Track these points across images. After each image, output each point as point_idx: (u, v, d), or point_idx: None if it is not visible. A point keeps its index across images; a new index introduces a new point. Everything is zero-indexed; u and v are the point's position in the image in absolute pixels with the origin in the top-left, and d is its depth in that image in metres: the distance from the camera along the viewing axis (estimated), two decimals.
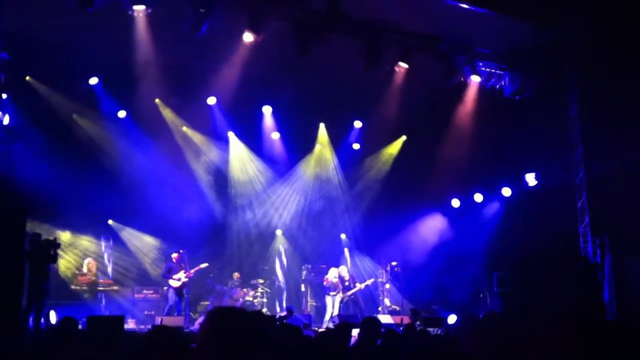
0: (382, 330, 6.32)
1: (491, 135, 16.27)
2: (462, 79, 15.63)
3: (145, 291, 15.63)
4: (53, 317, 12.04)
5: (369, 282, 16.83)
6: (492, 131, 16.24)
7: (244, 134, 18.22)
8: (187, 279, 14.76)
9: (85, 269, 15.02)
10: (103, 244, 16.18)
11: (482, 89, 16.16)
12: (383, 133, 18.60)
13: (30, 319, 11.18)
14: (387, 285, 17.53)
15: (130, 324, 14.01)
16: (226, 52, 14.42)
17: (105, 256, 16.09)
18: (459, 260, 16.55)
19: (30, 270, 11.23)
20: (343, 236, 19.03)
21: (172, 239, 16.23)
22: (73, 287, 14.73)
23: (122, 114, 16.38)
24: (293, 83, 16.06)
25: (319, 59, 14.03)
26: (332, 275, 16.19)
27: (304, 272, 17.76)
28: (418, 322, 13.01)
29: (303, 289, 17.71)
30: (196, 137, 17.74)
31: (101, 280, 15.26)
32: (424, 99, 16.68)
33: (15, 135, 14.61)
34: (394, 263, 17.55)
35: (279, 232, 18.77)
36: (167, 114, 17.09)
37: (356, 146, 19.17)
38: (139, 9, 12.67)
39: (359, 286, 16.50)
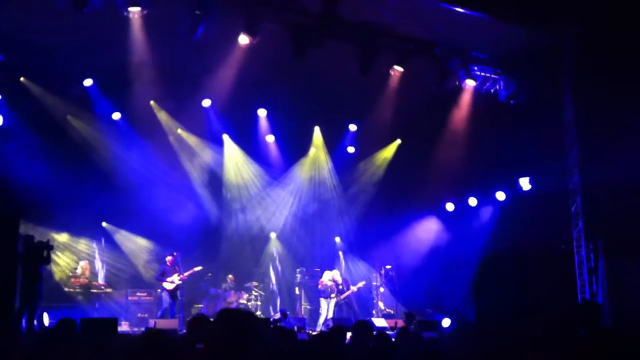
0: (375, 333, 6.32)
1: (486, 139, 16.30)
2: (457, 83, 15.66)
3: (139, 294, 15.58)
4: (46, 320, 12.00)
5: (360, 284, 16.84)
6: (487, 135, 16.27)
7: (239, 136, 18.21)
8: (181, 282, 14.73)
9: (79, 271, 14.97)
10: (96, 246, 16.12)
11: (477, 93, 16.19)
12: (378, 136, 18.61)
13: (23, 321, 11.13)
14: (382, 289, 17.53)
15: (123, 327, 13.96)
16: (222, 55, 14.42)
17: (99, 258, 16.03)
18: (453, 264, 16.56)
19: (23, 272, 11.19)
20: (337, 239, 19.03)
21: (165, 241, 16.19)
22: (66, 289, 14.68)
23: (116, 116, 16.35)
24: (288, 86, 16.06)
25: (314, 62, 14.04)
26: (327, 278, 16.20)
27: (298, 276, 17.75)
28: (412, 326, 12.99)
29: (297, 292, 17.69)
30: (191, 139, 17.71)
31: (95, 283, 15.20)
32: (418, 103, 16.71)
33: (9, 136, 14.60)
34: (388, 266, 17.56)
35: (273, 235, 18.75)
36: (162, 116, 17.06)
37: (351, 149, 19.18)
38: (134, 10, 12.62)
39: (353, 289, 16.51)
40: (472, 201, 17.63)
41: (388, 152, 19.14)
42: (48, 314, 12.21)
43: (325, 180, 19.33)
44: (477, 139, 16.41)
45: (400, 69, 15.05)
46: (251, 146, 18.45)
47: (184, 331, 12.91)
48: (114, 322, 10.71)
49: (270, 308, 17.41)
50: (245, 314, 3.13)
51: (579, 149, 14.70)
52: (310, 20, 13.44)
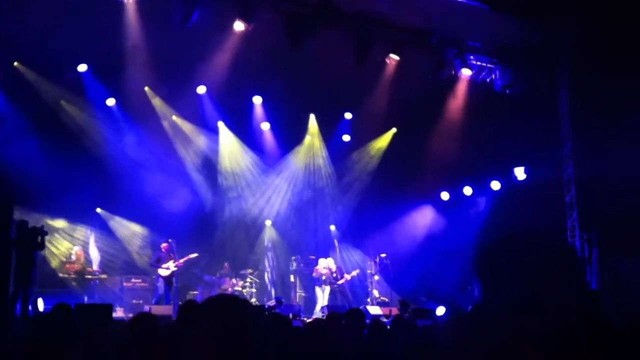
0: (368, 321, 6.34)
1: (481, 128, 16.31)
2: (453, 72, 15.66)
3: (133, 280, 15.58)
4: (41, 305, 11.99)
5: (354, 273, 16.87)
6: (482, 125, 16.28)
7: (234, 123, 18.15)
8: (176, 269, 14.73)
9: (73, 257, 14.95)
10: (90, 232, 16.09)
11: (473, 82, 16.19)
12: (373, 125, 18.59)
13: (17, 306, 11.13)
14: (376, 277, 17.57)
15: (118, 313, 13.96)
16: (217, 41, 14.36)
17: (93, 244, 16.00)
18: (448, 253, 16.62)
19: (17, 258, 11.16)
20: (332, 227, 19.04)
21: (160, 228, 16.17)
22: (61, 275, 14.65)
23: (111, 102, 16.27)
24: (284, 73, 16.00)
25: (310, 50, 14.00)
26: (322, 266, 16.24)
27: (294, 263, 17.77)
28: (406, 314, 13.04)
29: (292, 279, 17.72)
30: (186, 126, 17.66)
31: (89, 269, 15.19)
32: (414, 92, 16.68)
33: (2, 121, 14.52)
34: (383, 255, 17.58)
35: (268, 223, 18.75)
36: (157, 102, 16.99)
37: (346, 138, 19.16)
38: None
39: (347, 277, 16.55)
40: (467, 190, 17.66)
41: (383, 141, 19.13)
42: (43, 299, 12.20)
43: (321, 168, 19.33)
44: (472, 128, 16.42)
45: (396, 58, 15.02)
46: (246, 133, 18.41)
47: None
48: (109, 308, 10.72)
49: (265, 295, 17.44)
50: (233, 300, 3.10)
51: (574, 140, 14.74)
52: (305, 9, 13.38)
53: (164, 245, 14.90)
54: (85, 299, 14.23)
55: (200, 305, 3.21)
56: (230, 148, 18.40)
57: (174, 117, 17.40)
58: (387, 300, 16.88)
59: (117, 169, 15.81)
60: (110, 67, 15.17)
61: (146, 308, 12.93)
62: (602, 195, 13.59)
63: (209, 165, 18.19)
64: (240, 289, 16.39)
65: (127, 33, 13.77)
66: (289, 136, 18.76)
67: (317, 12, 13.41)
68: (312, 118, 19.04)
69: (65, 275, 14.65)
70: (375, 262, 17.64)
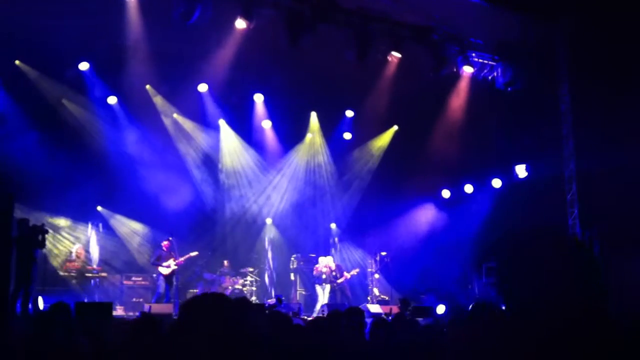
0: (371, 319, 6.32)
1: (482, 126, 16.30)
2: (455, 70, 15.62)
3: (134, 278, 15.58)
4: (41, 303, 11.99)
5: (354, 272, 16.86)
6: (484, 122, 16.27)
7: (235, 121, 18.14)
8: (176, 267, 14.73)
9: (74, 256, 14.95)
10: (91, 230, 16.09)
11: (474, 79, 16.16)
12: (374, 123, 18.57)
13: (18, 304, 11.13)
14: (377, 275, 17.55)
15: (118, 311, 13.97)
16: (218, 39, 14.34)
17: (93, 242, 16.00)
18: (449, 251, 16.61)
19: (18, 256, 11.15)
20: (333, 225, 19.03)
21: (161, 226, 16.17)
22: (61, 273, 14.66)
23: (112, 100, 16.27)
24: (285, 71, 16.00)
25: (311, 48, 13.97)
26: (322, 264, 16.23)
27: (294, 261, 17.76)
28: (407, 312, 13.04)
29: (292, 278, 17.71)
30: (187, 124, 17.65)
31: (90, 267, 15.19)
32: (416, 90, 16.66)
33: (4, 120, 14.52)
34: (383, 253, 17.57)
35: (268, 221, 18.74)
36: (158, 100, 16.99)
37: (347, 136, 19.14)
38: None
39: (346, 275, 16.54)
40: (468, 188, 17.64)
41: (385, 138, 19.12)
42: (43, 297, 12.20)
43: (322, 166, 19.31)
44: (473, 126, 16.40)
45: (398, 55, 14.98)
46: (247, 131, 18.40)
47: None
48: (109, 307, 10.71)
49: (265, 294, 17.43)
50: (215, 299, 3.07)
51: (575, 138, 14.72)
52: (305, 5, 13.36)
53: (164, 243, 14.89)
54: (86, 297, 14.23)
55: (182, 306, 3.19)
56: (231, 146, 18.39)
57: (175, 115, 17.39)
58: (387, 298, 16.87)
59: (119, 167, 15.80)
60: (111, 65, 15.17)
61: (146, 306, 12.94)
62: (603, 193, 13.56)
63: (210, 163, 18.18)
64: (240, 287, 16.39)
65: (128, 31, 13.76)
66: (290, 134, 18.75)
67: (317, 9, 13.39)
68: (314, 116, 19.02)
69: (66, 274, 14.65)
70: (375, 261, 17.63)
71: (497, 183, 16.83)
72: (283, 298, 14.35)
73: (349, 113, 18.73)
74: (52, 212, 15.08)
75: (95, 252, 15.90)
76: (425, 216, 18.17)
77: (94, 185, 14.94)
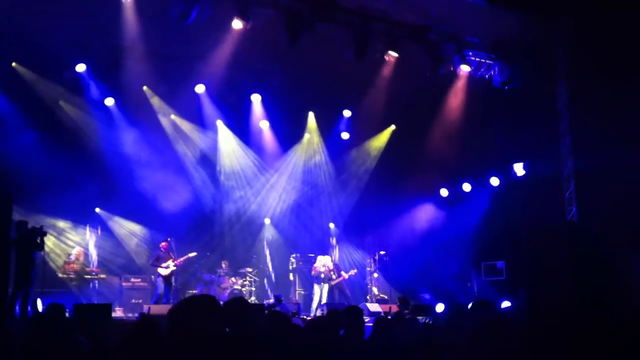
0: (373, 318, 6.33)
1: (480, 124, 16.29)
2: (452, 69, 15.61)
3: (133, 279, 15.57)
4: (40, 305, 11.97)
5: (352, 272, 16.88)
6: (481, 121, 16.27)
7: (233, 122, 18.15)
8: (175, 268, 14.73)
9: (73, 257, 14.94)
10: (90, 232, 16.07)
11: (472, 78, 16.16)
12: (372, 122, 18.59)
13: (17, 307, 11.11)
14: (375, 274, 17.57)
15: (117, 312, 13.97)
16: (215, 40, 14.33)
17: (93, 244, 15.99)
18: (447, 249, 16.61)
19: (16, 258, 11.14)
20: (332, 225, 19.04)
21: (159, 227, 16.18)
22: (60, 275, 14.64)
23: (110, 101, 16.26)
24: (282, 71, 15.99)
25: (308, 47, 13.96)
26: (320, 263, 16.24)
27: (293, 261, 17.77)
28: (406, 311, 13.04)
29: (291, 277, 17.71)
30: (184, 125, 17.65)
31: (89, 269, 15.18)
32: (413, 89, 16.67)
33: (1, 122, 14.51)
34: (382, 252, 17.58)
35: (267, 221, 18.74)
36: (155, 101, 16.98)
37: (345, 135, 19.14)
38: None
39: (344, 275, 16.56)
40: (466, 187, 17.65)
41: (382, 138, 19.13)
42: (42, 300, 12.17)
43: (319, 165, 19.32)
44: (471, 124, 16.40)
45: (395, 55, 14.99)
46: (245, 132, 18.41)
47: None
48: (108, 308, 10.71)
49: (265, 294, 17.44)
50: (204, 300, 3.07)
51: (573, 136, 14.73)
52: (304, 4, 13.35)
53: (163, 244, 14.90)
54: (85, 299, 14.22)
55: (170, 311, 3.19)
56: (229, 146, 18.39)
57: (173, 116, 17.39)
58: (386, 297, 16.90)
59: (117, 168, 15.80)
60: (108, 67, 15.16)
61: (145, 307, 12.94)
62: (601, 191, 13.56)
63: (208, 163, 18.18)
64: (239, 287, 16.39)
65: (125, 32, 13.75)
66: (288, 134, 18.76)
67: (316, 8, 13.38)
68: (311, 116, 19.03)
69: (65, 276, 14.63)
70: (374, 260, 17.65)
71: (495, 181, 16.84)
72: (282, 298, 14.36)
73: (347, 113, 18.75)
74: (50, 214, 15.06)
75: (94, 254, 15.89)
76: (424, 215, 18.17)
77: (93, 186, 14.93)
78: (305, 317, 13.71)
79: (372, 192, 18.83)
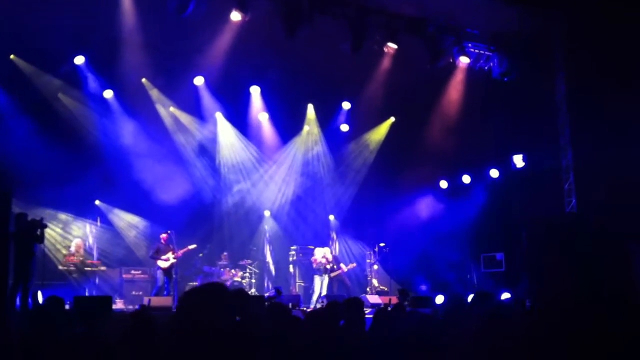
0: (372, 310, 6.34)
1: (479, 116, 16.29)
2: (451, 60, 15.60)
3: (133, 271, 15.58)
4: (40, 298, 11.98)
5: (351, 265, 16.90)
6: (481, 112, 16.26)
7: (232, 114, 18.11)
8: (175, 260, 14.74)
9: (73, 250, 14.94)
10: (90, 224, 16.08)
11: (471, 70, 16.15)
12: (371, 114, 18.56)
13: (17, 299, 11.12)
14: (375, 267, 17.59)
15: (118, 304, 13.98)
16: (213, 32, 14.30)
17: (93, 237, 16.00)
18: (447, 241, 16.64)
19: (16, 251, 11.14)
20: (331, 217, 19.04)
21: (159, 219, 16.15)
22: (61, 267, 14.65)
23: (108, 94, 16.22)
24: (281, 63, 15.96)
25: (307, 39, 13.94)
26: (319, 255, 16.25)
27: (293, 253, 17.78)
28: (406, 302, 13.06)
29: (291, 269, 17.74)
30: (183, 117, 17.61)
31: (89, 261, 15.19)
32: (412, 81, 16.64)
33: None
34: (382, 244, 17.59)
35: (267, 213, 18.74)
36: (154, 93, 16.94)
37: (345, 127, 19.12)
38: None
39: (343, 268, 16.58)
40: (466, 178, 17.65)
41: (382, 130, 19.11)
42: (42, 292, 12.19)
43: (319, 158, 19.30)
44: (470, 116, 16.40)
45: (394, 47, 14.96)
46: (244, 124, 18.38)
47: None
48: (109, 300, 10.72)
49: (265, 286, 17.47)
50: (213, 289, 3.06)
51: (572, 127, 14.73)
52: None
53: (163, 236, 14.90)
54: (86, 291, 14.24)
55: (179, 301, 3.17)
56: (228, 139, 18.36)
57: (172, 109, 17.35)
58: (386, 289, 16.92)
59: (116, 161, 15.77)
60: (107, 59, 15.12)
61: (146, 299, 12.96)
62: (600, 182, 13.58)
63: (208, 156, 18.16)
64: (239, 279, 16.42)
65: (123, 24, 13.70)
66: (287, 126, 18.72)
67: (313, 0, 13.35)
68: (310, 108, 18.99)
69: (65, 268, 14.64)
70: (374, 252, 17.66)
71: (494, 173, 16.85)
72: (282, 290, 14.37)
73: (346, 105, 18.71)
74: (50, 206, 15.04)
75: (94, 246, 15.90)
76: (424, 207, 18.17)
77: (92, 179, 14.92)
78: (305, 309, 13.74)
79: (372, 184, 18.83)
